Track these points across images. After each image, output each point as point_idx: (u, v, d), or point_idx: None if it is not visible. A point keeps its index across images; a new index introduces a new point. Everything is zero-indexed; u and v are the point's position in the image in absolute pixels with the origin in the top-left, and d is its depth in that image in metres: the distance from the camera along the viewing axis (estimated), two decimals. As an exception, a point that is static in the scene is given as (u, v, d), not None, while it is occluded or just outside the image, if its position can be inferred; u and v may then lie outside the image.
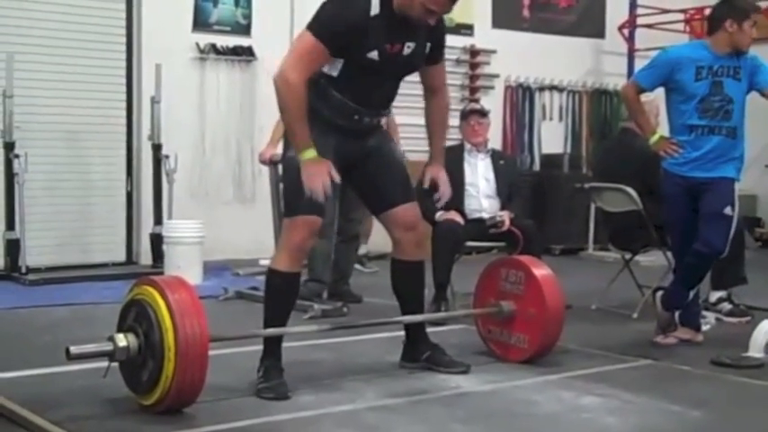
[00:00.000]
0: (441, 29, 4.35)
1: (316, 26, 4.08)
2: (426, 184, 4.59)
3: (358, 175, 4.44)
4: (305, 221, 4.16)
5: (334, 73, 4.18)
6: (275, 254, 4.34)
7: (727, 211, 5.07)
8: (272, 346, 4.25)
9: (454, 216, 6.08)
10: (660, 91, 5.35)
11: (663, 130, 5.46)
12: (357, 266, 8.47)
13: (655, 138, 5.28)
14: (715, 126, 5.10)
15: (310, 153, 4.08)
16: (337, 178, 4.14)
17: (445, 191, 4.59)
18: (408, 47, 4.21)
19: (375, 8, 4.06)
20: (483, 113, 6.53)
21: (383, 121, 4.49)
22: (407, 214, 4.47)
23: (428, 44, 4.29)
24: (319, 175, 4.06)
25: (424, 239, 4.73)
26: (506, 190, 6.40)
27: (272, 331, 4.23)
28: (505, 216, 6.15)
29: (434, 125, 4.61)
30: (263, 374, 4.18)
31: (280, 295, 4.26)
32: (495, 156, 6.55)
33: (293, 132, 4.15)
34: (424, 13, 4.06)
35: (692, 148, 5.13)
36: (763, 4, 10.63)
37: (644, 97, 5.49)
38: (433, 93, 4.56)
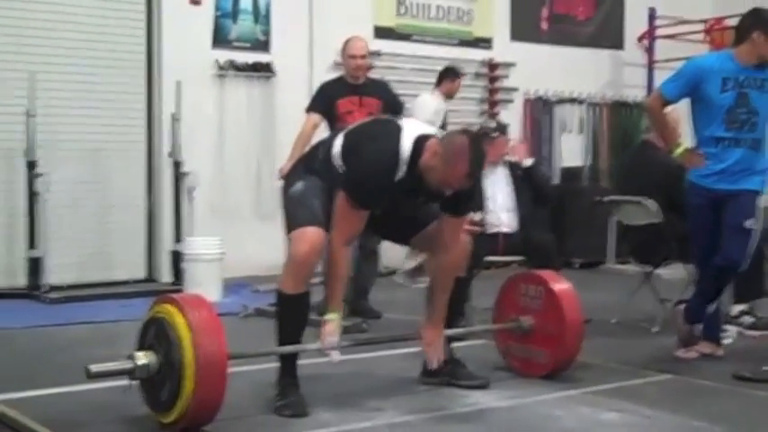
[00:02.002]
0: (465, 190, 4.21)
1: (354, 198, 4.13)
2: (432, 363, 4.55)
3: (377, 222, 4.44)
4: (306, 233, 4.17)
5: None
6: (281, 274, 4.32)
7: (748, 224, 5.04)
8: (288, 364, 4.26)
9: (471, 227, 6.02)
10: (681, 102, 5.31)
11: (684, 141, 5.44)
12: (401, 282, 8.49)
13: (680, 150, 5.25)
14: (741, 138, 5.07)
15: (334, 316, 4.22)
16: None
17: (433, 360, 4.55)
18: (420, 200, 4.31)
19: (401, 172, 4.12)
20: (492, 136, 6.41)
21: None
22: (433, 234, 4.47)
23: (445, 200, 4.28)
24: (333, 337, 4.21)
25: (460, 256, 4.58)
26: (529, 195, 6.35)
27: (290, 348, 4.24)
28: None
29: (437, 282, 4.51)
30: (279, 392, 4.19)
31: (289, 316, 4.27)
32: (513, 167, 6.51)
33: (330, 291, 4.27)
34: (444, 185, 4.09)
35: (718, 159, 5.10)
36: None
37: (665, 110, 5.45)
38: (442, 249, 4.43)
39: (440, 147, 4.05)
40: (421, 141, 4.12)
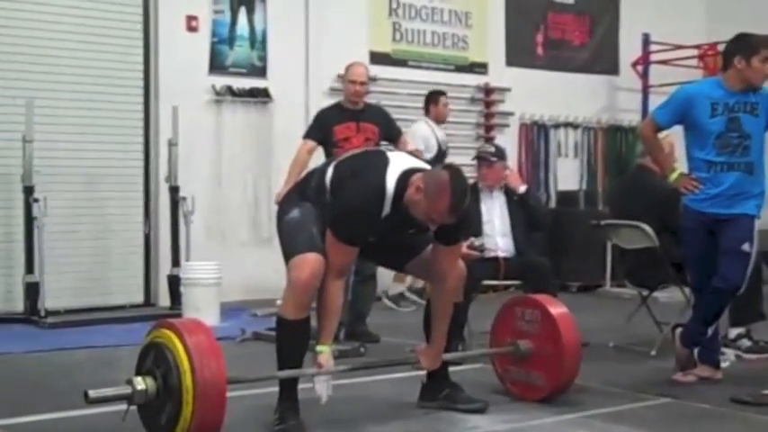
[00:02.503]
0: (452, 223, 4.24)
1: (341, 236, 4.18)
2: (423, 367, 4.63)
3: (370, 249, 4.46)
4: (306, 259, 4.18)
5: None
6: (282, 301, 4.34)
7: (746, 247, 5.06)
8: (288, 389, 4.27)
9: (469, 252, 6.05)
10: (676, 128, 5.37)
11: (679, 166, 5.47)
12: (392, 306, 8.53)
13: (675, 175, 5.31)
14: (734, 162, 5.10)
15: (325, 349, 4.26)
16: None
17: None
18: (411, 232, 4.33)
19: (387, 209, 4.16)
20: (490, 161, 6.44)
21: None
22: (428, 260, 4.49)
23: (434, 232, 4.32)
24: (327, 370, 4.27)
25: (457, 283, 4.59)
26: (524, 219, 6.37)
27: (288, 373, 4.25)
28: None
29: (436, 309, 4.55)
30: (279, 416, 4.19)
31: (290, 342, 4.28)
32: (509, 192, 6.53)
33: (322, 324, 4.31)
34: (428, 219, 4.12)
35: (712, 184, 5.14)
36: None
37: (659, 135, 5.50)
38: (439, 278, 4.48)
39: (422, 182, 4.07)
40: (406, 177, 4.14)
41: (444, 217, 4.07)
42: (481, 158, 6.47)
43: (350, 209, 4.17)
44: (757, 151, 5.13)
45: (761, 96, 5.14)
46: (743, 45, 5.13)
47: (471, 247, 5.88)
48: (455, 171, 4.16)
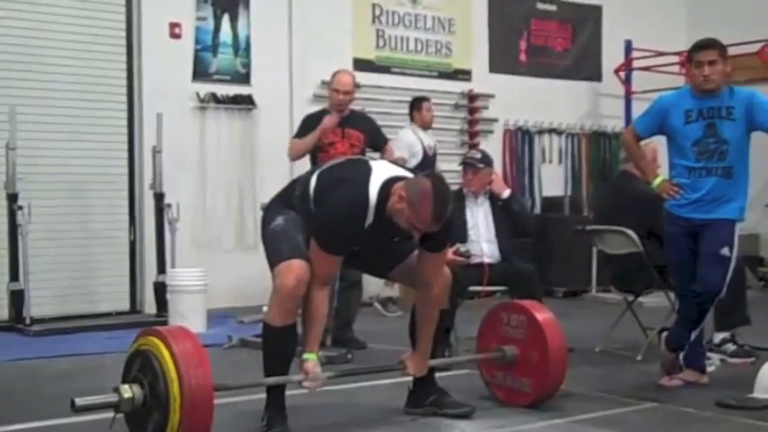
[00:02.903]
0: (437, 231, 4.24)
1: (324, 246, 4.18)
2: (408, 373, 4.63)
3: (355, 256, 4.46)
4: (292, 265, 4.17)
5: None
6: (268, 308, 4.32)
7: (725, 251, 5.10)
8: (275, 396, 4.26)
9: (455, 258, 6.06)
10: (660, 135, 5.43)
11: (663, 172, 5.51)
12: (381, 310, 8.57)
13: (657, 181, 5.36)
14: (712, 167, 5.15)
15: (312, 356, 4.27)
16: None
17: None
18: (395, 240, 4.34)
19: (370, 218, 4.16)
20: (476, 167, 6.45)
21: None
22: (412, 267, 4.49)
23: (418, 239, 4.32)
24: (317, 379, 4.28)
25: (442, 290, 4.59)
26: (509, 225, 6.38)
27: (275, 380, 4.24)
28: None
29: (422, 317, 4.55)
30: (266, 423, 4.19)
31: (276, 349, 4.27)
32: (493, 198, 6.54)
33: (308, 332, 4.30)
34: (412, 227, 4.12)
35: (692, 189, 5.19)
36: (756, 46, 10.83)
37: (643, 142, 5.55)
38: (424, 284, 4.47)
39: (405, 191, 4.07)
40: (388, 185, 4.15)
41: (428, 225, 4.07)
42: (467, 164, 6.48)
43: (333, 219, 4.17)
44: (735, 156, 5.16)
45: (737, 100, 5.16)
46: (691, 50, 5.23)
47: (457, 253, 5.89)
48: (437, 179, 4.17)
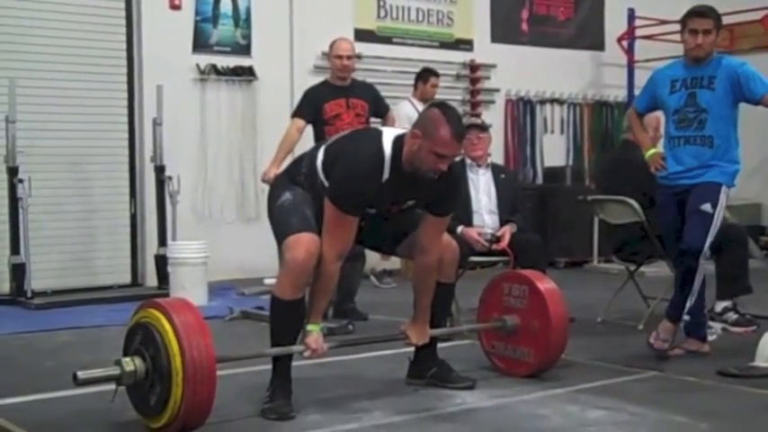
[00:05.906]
0: (448, 185, 4.31)
1: (342, 204, 4.12)
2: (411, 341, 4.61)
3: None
4: (301, 238, 4.16)
5: None
6: (277, 280, 4.31)
7: (705, 207, 5.10)
8: (281, 367, 4.26)
9: (474, 234, 6.07)
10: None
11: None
12: (375, 282, 8.56)
13: (650, 152, 5.43)
14: (690, 136, 5.21)
15: (315, 328, 4.26)
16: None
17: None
18: (408, 204, 4.33)
19: (386, 173, 4.14)
20: (482, 128, 6.54)
21: None
22: (415, 240, 4.48)
23: (429, 200, 4.32)
24: (319, 349, 4.26)
25: (447, 261, 4.59)
26: (508, 204, 6.40)
27: (276, 350, 4.24)
28: (506, 232, 6.15)
29: (418, 284, 4.53)
30: (270, 394, 4.19)
31: (284, 322, 4.25)
32: (495, 170, 6.54)
33: (315, 304, 4.28)
34: (435, 160, 4.08)
35: (676, 158, 5.28)
36: (760, 13, 10.76)
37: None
38: (421, 251, 4.44)
39: (417, 129, 4.10)
40: (400, 139, 4.18)
41: (450, 146, 4.06)
42: (471, 126, 6.51)
43: (350, 175, 4.14)
44: (715, 125, 5.16)
45: (721, 69, 5.17)
46: (684, 16, 5.23)
47: (482, 235, 5.97)
48: (443, 104, 4.23)
